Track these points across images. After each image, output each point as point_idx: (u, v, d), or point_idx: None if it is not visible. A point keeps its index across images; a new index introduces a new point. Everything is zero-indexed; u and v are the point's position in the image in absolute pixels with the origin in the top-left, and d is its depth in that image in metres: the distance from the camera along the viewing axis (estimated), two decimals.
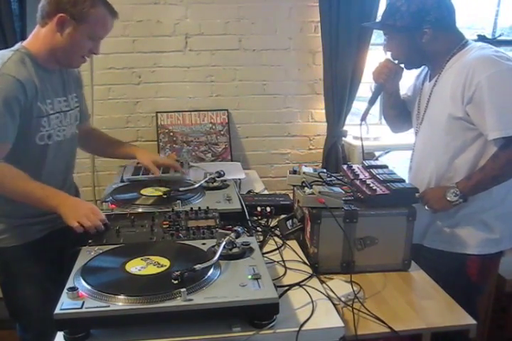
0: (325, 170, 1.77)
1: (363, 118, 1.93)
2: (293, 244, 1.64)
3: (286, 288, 1.34)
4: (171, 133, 2.95)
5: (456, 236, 1.75)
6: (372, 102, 1.91)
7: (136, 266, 1.22)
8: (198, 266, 1.16)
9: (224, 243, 1.28)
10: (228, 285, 1.15)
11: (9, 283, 1.71)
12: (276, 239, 1.67)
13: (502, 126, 1.55)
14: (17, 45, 1.62)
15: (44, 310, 1.39)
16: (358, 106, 3.44)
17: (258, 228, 1.74)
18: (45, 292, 1.64)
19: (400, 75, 1.85)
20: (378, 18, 2.81)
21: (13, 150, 1.53)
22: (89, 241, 1.40)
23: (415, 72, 1.93)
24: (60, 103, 1.69)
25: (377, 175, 1.66)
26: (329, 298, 1.32)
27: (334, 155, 3.06)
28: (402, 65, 1.82)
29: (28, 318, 1.73)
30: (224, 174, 1.97)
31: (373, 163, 1.82)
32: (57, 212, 1.48)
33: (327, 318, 1.22)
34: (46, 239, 1.70)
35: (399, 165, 2.31)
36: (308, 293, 1.33)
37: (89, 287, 1.12)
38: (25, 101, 1.52)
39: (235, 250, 1.29)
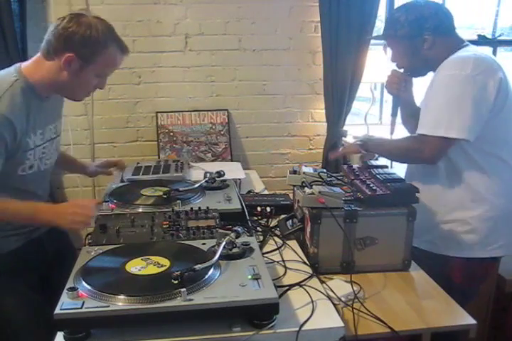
0: (325, 170, 1.77)
1: (392, 131, 1.98)
2: (293, 244, 1.64)
3: (286, 288, 1.34)
4: (171, 133, 2.95)
5: (439, 238, 1.75)
6: (394, 114, 1.97)
7: (136, 266, 1.22)
8: (198, 266, 1.16)
9: (224, 243, 1.27)
10: (228, 285, 1.14)
11: None
12: (276, 239, 1.67)
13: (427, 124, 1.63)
14: (16, 71, 1.52)
15: (31, 322, 1.33)
16: (358, 106, 3.45)
17: (258, 228, 1.73)
18: (28, 302, 1.60)
19: (411, 83, 1.90)
20: (378, 18, 2.85)
21: None
22: (89, 241, 1.40)
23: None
24: (51, 130, 1.64)
25: (377, 175, 1.66)
26: (329, 298, 1.32)
27: None
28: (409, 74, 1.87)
29: (16, 333, 1.66)
30: (224, 174, 1.97)
31: (373, 163, 1.83)
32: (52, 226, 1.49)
33: (327, 318, 1.22)
34: (22, 249, 1.64)
35: (399, 165, 2.31)
36: (308, 293, 1.32)
37: (89, 287, 1.12)
38: (13, 139, 1.46)
39: (235, 250, 1.29)
